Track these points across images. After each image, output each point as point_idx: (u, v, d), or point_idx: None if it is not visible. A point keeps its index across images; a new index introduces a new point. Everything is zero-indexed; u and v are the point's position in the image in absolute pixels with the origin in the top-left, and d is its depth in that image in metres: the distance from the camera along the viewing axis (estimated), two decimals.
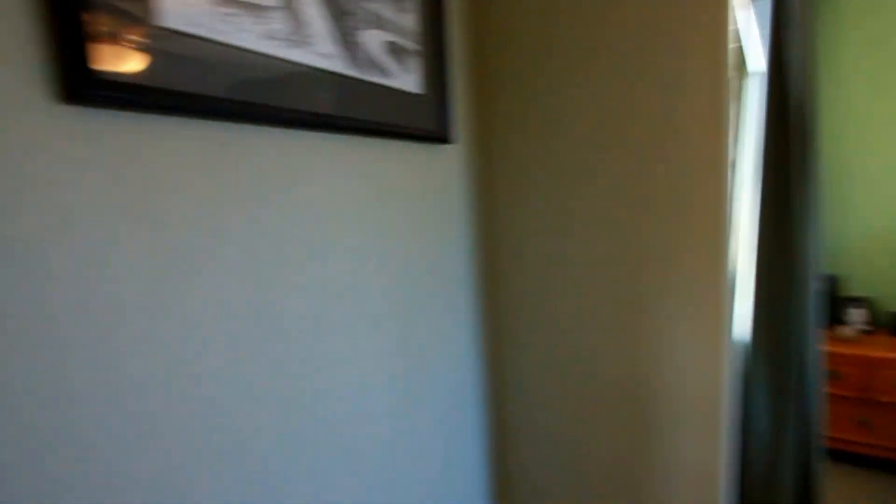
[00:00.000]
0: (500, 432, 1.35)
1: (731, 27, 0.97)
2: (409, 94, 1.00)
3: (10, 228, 0.49)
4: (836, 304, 2.58)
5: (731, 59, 0.98)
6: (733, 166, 1.03)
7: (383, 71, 0.94)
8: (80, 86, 0.52)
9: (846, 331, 2.41)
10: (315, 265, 0.83)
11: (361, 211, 0.92)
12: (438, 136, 1.08)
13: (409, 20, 1.00)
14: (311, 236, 0.82)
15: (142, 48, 0.57)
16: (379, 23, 0.92)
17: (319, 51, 0.80)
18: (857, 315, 2.50)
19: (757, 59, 1.71)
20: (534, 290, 1.24)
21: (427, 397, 1.11)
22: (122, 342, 0.58)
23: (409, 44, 1.00)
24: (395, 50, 0.96)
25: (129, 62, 0.56)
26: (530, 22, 1.15)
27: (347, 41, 0.85)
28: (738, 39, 1.61)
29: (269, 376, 0.76)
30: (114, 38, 0.54)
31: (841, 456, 2.35)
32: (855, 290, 2.62)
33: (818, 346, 1.68)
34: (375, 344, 0.96)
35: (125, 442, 0.58)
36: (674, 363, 1.09)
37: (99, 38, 0.53)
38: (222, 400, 0.69)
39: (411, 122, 1.01)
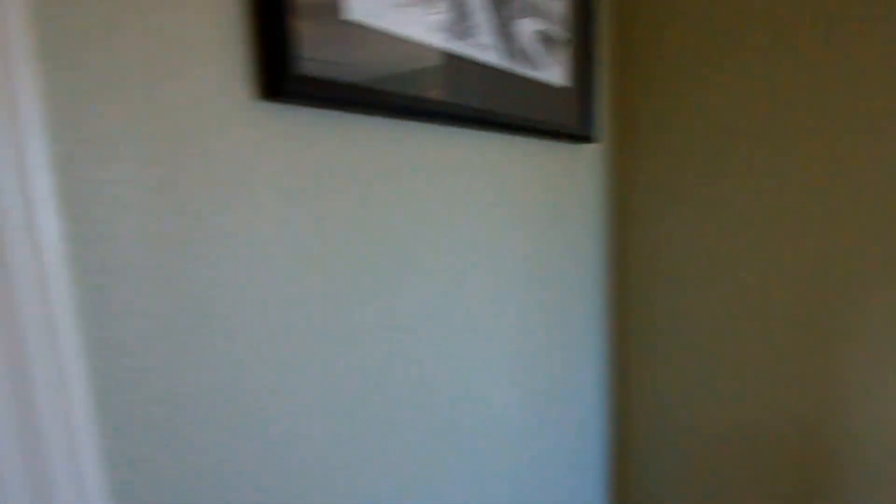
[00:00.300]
0: (623, 472, 1.29)
1: None
2: (555, 87, 0.96)
3: (209, 223, 0.50)
4: None
5: None
6: None
7: (533, 62, 0.90)
8: (278, 82, 0.52)
9: None
10: (457, 266, 0.82)
11: (502, 214, 0.90)
12: (581, 134, 1.03)
13: (560, 6, 0.96)
14: (454, 238, 0.80)
15: (332, 42, 0.57)
16: (533, 10, 0.89)
17: (480, 42, 0.78)
18: None
19: None
20: (678, 311, 1.17)
21: (551, 410, 1.07)
22: (294, 341, 0.58)
23: (558, 31, 0.96)
24: (545, 39, 0.93)
25: (320, 57, 0.56)
26: (694, 5, 1.07)
27: (504, 31, 0.83)
28: None
29: (407, 374, 0.75)
30: (309, 35, 0.55)
31: None
32: None
33: None
34: (504, 348, 0.94)
35: (287, 436, 0.59)
36: (878, 407, 0.98)
37: (296, 35, 0.54)
38: (359, 396, 0.69)
39: (555, 118, 0.97)
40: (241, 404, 0.54)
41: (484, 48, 0.79)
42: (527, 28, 0.88)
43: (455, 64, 0.74)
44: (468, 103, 0.77)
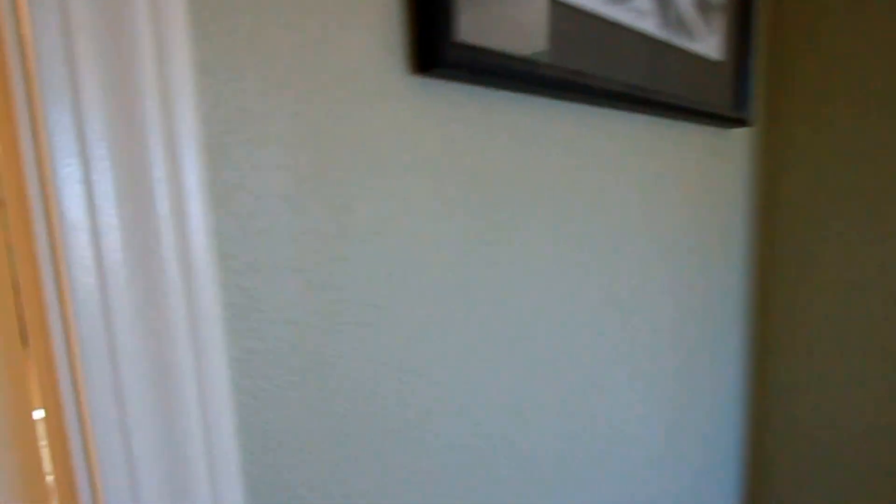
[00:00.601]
0: (758, 486, 1.16)
1: None
2: (709, 61, 0.85)
3: (357, 216, 0.45)
4: None
5: None
6: None
7: (689, 32, 0.80)
8: (437, 51, 0.46)
9: None
10: (598, 264, 0.73)
11: (645, 207, 0.80)
12: (734, 116, 0.91)
13: None
14: (596, 233, 0.72)
15: (491, 7, 0.50)
16: None
17: (637, 6, 0.69)
18: None
19: None
20: (830, 320, 1.02)
21: (686, 416, 0.97)
22: (450, 346, 0.53)
23: None
24: (702, 4, 0.82)
25: (480, 24, 0.49)
26: None
27: None
28: None
29: (546, 376, 0.68)
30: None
31: None
32: None
33: None
34: (639, 352, 0.84)
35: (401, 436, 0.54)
36: None
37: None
38: (496, 397, 0.62)
39: (708, 98, 0.86)
40: (399, 425, 0.49)
41: (641, 14, 0.70)
42: None
43: (612, 32, 0.66)
44: (624, 79, 0.68)
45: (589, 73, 0.63)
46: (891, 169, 0.94)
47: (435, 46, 0.46)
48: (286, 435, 0.42)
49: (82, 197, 0.36)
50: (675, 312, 0.89)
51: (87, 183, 0.36)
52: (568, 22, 0.60)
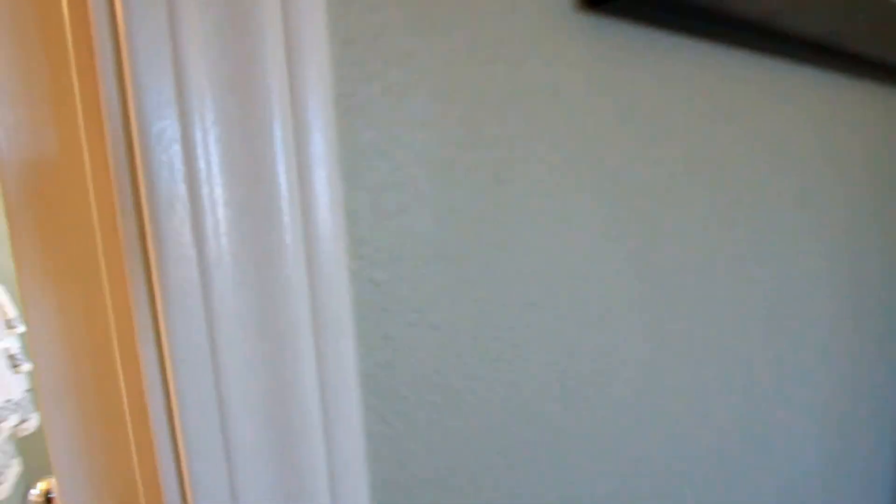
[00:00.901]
0: None
1: None
2: None
3: (509, 189, 0.36)
4: None
5: None
6: None
7: None
8: None
9: None
10: (770, 251, 0.62)
11: (825, 189, 0.68)
12: None
13: None
14: (772, 213, 0.61)
15: None
16: None
17: None
18: None
19: None
20: None
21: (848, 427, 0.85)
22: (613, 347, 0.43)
23: None
24: None
25: None
26: None
27: None
28: None
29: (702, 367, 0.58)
30: None
31: None
32: None
33: None
34: (810, 355, 0.73)
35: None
36: None
37: None
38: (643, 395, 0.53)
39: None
40: (568, 457, 0.40)
41: None
42: None
43: None
44: (816, 26, 0.56)
45: (782, 15, 0.51)
46: None
47: None
48: (423, 470, 0.34)
49: (180, 162, 0.28)
50: (843, 315, 0.76)
51: (187, 143, 0.28)
52: None
